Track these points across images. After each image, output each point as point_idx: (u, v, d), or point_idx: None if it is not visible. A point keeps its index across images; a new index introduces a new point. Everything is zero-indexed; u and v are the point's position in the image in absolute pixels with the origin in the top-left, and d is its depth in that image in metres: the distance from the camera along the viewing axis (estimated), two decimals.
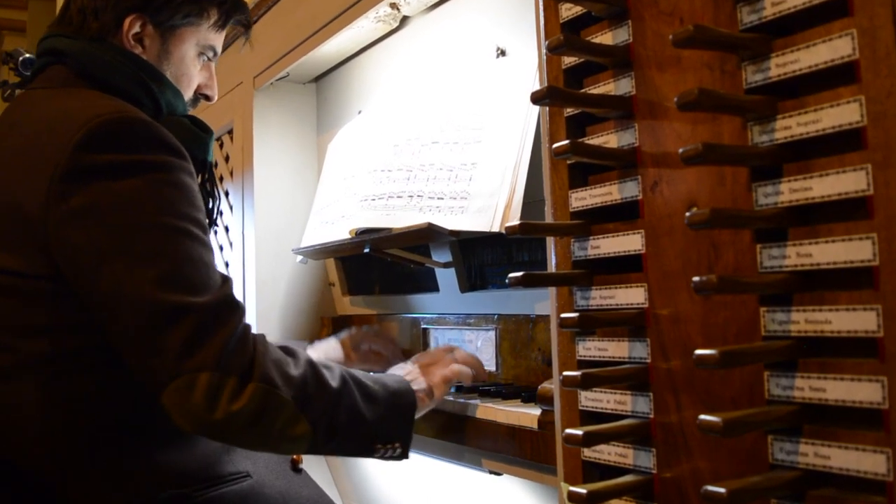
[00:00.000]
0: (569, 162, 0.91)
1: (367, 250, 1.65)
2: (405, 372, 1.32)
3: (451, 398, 1.37)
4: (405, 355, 1.76)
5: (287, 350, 1.15)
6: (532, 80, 1.44)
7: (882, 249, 0.62)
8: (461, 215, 1.47)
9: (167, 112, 1.30)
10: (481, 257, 1.65)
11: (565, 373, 0.83)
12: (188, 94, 1.38)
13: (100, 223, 1.06)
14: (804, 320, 0.68)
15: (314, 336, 2.14)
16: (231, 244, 2.32)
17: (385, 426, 1.19)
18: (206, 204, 1.36)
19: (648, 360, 0.82)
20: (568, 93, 0.86)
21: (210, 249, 1.13)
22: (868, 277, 0.63)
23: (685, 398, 0.78)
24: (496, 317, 1.56)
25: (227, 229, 2.35)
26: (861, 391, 0.63)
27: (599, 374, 0.82)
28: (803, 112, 0.68)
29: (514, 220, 1.09)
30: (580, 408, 0.90)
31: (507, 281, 0.86)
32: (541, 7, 0.95)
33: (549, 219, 0.94)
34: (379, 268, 1.99)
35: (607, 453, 0.87)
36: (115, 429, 1.14)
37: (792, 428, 0.68)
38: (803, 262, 0.68)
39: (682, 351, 0.78)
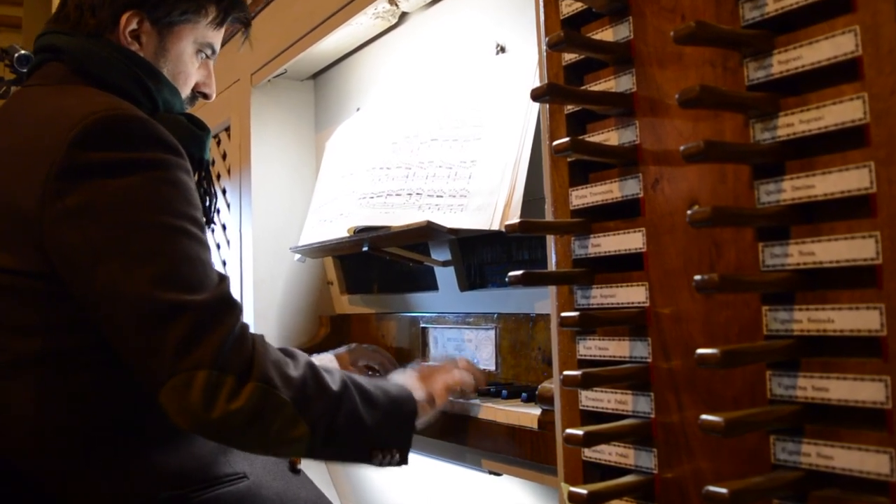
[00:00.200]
0: (569, 159, 0.90)
1: (365, 249, 1.65)
2: (406, 379, 1.32)
3: (451, 398, 1.36)
4: (403, 357, 1.76)
5: (287, 352, 1.14)
6: (532, 77, 1.43)
7: (885, 248, 0.62)
8: (460, 213, 1.47)
9: (164, 110, 1.29)
10: (481, 256, 1.64)
11: (566, 372, 0.82)
12: (185, 92, 1.38)
13: (96, 222, 1.06)
14: (807, 319, 0.67)
15: (312, 335, 2.13)
16: (228, 242, 2.31)
17: (384, 433, 1.18)
18: (204, 202, 1.36)
19: (649, 360, 0.82)
20: (568, 90, 0.86)
21: (207, 248, 1.13)
22: (871, 276, 0.63)
23: (686, 398, 0.78)
24: (496, 316, 1.56)
25: (224, 227, 2.34)
26: (864, 391, 0.63)
27: (600, 374, 0.82)
28: (806, 109, 0.67)
29: (514, 219, 1.09)
30: (581, 407, 0.90)
31: (506, 279, 0.86)
32: (541, 3, 0.94)
33: (549, 217, 0.93)
34: (378, 266, 1.98)
35: (608, 453, 0.86)
36: (110, 428, 1.13)
37: (794, 428, 0.68)
38: (806, 261, 0.67)
39: (684, 350, 0.78)
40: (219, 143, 2.37)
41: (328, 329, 2.10)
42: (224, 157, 2.34)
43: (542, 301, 1.45)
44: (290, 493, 1.26)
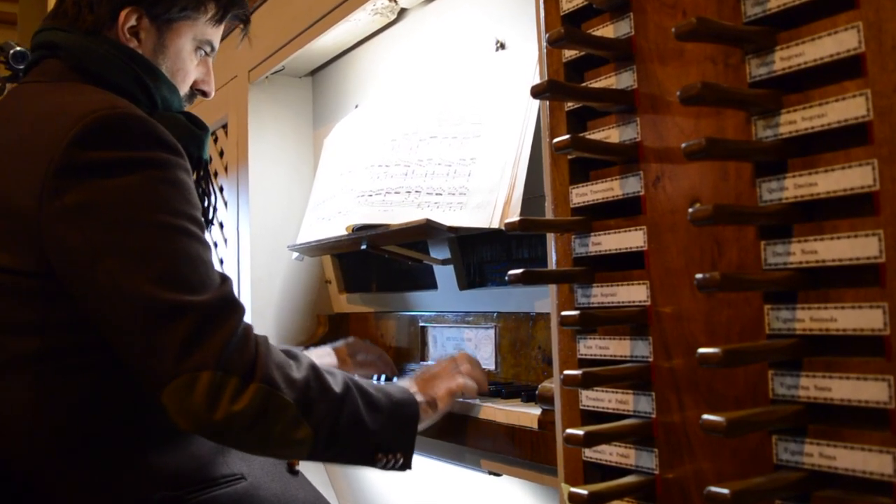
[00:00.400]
0: (570, 157, 0.90)
1: (364, 247, 1.64)
2: (409, 383, 1.31)
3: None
4: (402, 357, 1.76)
5: (289, 353, 1.14)
6: (532, 74, 1.42)
7: (888, 246, 0.61)
8: (460, 211, 1.46)
9: (162, 107, 1.29)
10: (480, 254, 1.64)
11: (566, 372, 0.82)
12: (184, 90, 1.37)
13: (95, 221, 1.05)
14: (809, 318, 0.67)
15: (310, 334, 2.13)
16: (226, 241, 2.30)
17: (387, 435, 1.18)
18: (203, 202, 1.35)
19: (650, 359, 0.81)
20: (568, 87, 0.85)
21: (208, 248, 1.12)
22: (874, 275, 0.63)
23: (688, 397, 0.77)
24: (495, 315, 1.55)
25: (221, 225, 2.33)
26: (867, 390, 0.62)
27: (601, 373, 0.82)
28: (808, 106, 0.67)
29: (514, 217, 1.08)
30: (581, 407, 0.89)
31: (506, 278, 0.85)
32: None
33: (549, 215, 0.93)
34: (376, 265, 1.98)
35: (609, 454, 0.86)
36: (107, 429, 1.13)
37: (796, 428, 0.67)
38: (808, 259, 0.67)
39: (685, 349, 0.78)
40: (216, 140, 2.36)
41: (326, 328, 2.09)
42: (221, 154, 2.34)
43: (543, 300, 1.45)
44: (289, 495, 1.26)
